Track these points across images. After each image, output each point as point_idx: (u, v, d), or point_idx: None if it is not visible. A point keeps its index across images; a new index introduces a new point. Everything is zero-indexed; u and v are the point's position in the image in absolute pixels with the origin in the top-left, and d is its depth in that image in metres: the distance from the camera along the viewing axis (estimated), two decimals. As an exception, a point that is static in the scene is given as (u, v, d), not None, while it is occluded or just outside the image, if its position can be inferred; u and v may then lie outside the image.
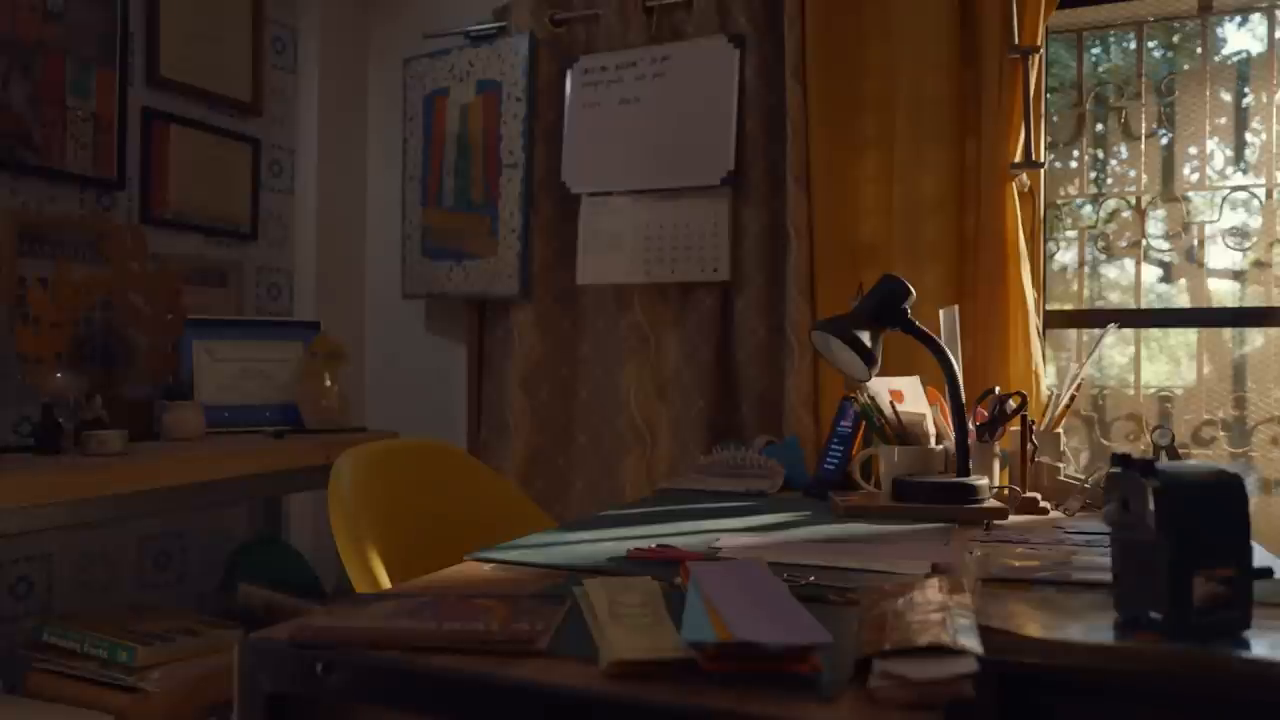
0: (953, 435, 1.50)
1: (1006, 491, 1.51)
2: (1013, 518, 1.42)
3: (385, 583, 1.39)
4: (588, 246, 2.43)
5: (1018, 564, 1.04)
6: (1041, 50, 2.01)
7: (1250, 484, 1.91)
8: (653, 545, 1.16)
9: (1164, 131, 2.19)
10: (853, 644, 0.74)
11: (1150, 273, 2.22)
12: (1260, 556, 1.02)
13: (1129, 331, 2.17)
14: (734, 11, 2.30)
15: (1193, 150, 2.17)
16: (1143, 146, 2.20)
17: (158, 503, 2.09)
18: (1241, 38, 2.18)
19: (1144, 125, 2.19)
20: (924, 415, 1.59)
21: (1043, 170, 2.03)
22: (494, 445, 2.54)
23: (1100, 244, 2.25)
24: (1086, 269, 2.26)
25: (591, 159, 2.44)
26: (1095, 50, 2.29)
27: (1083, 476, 1.60)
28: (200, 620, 2.05)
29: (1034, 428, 1.60)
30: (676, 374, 2.33)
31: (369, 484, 1.46)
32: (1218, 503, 0.77)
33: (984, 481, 1.47)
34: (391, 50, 2.89)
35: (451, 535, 1.46)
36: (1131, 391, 2.19)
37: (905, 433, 1.57)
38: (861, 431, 1.71)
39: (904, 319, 1.50)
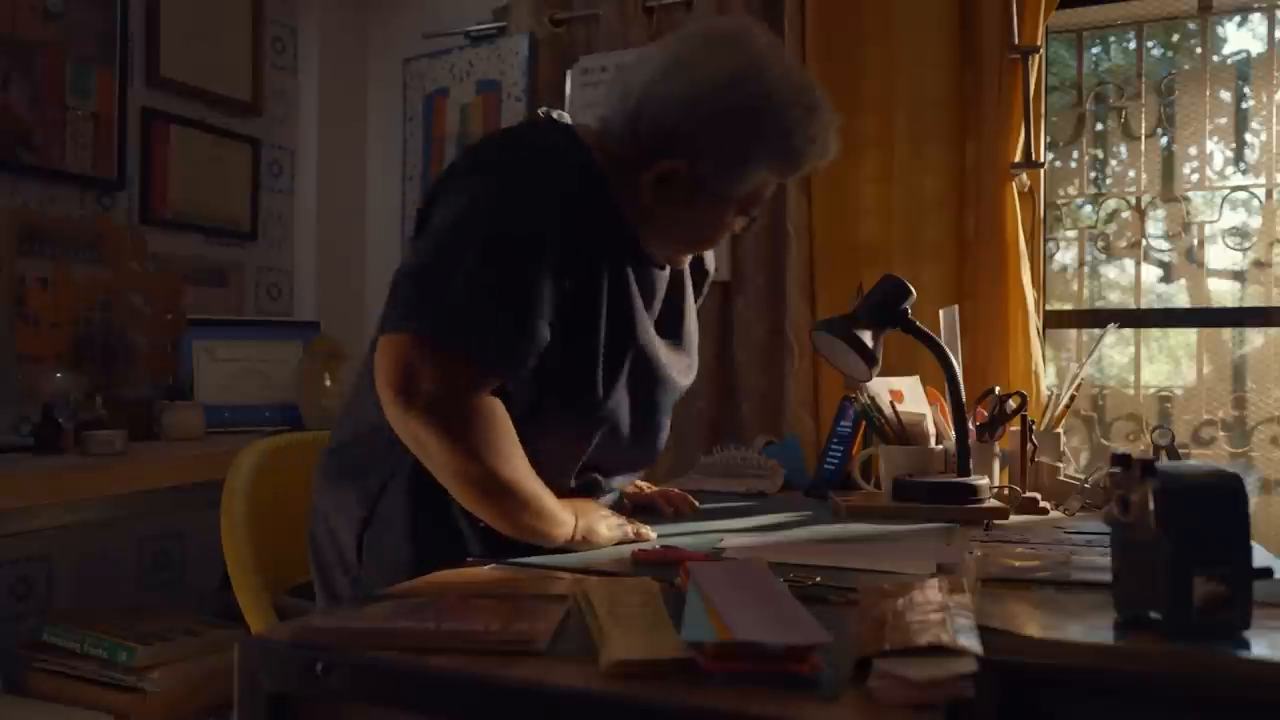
0: (953, 435, 1.50)
1: (1007, 491, 1.51)
2: (1013, 518, 1.42)
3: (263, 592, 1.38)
4: (588, 246, 2.43)
5: (1018, 564, 1.04)
6: (1041, 50, 2.01)
7: (1250, 484, 1.91)
8: (656, 546, 1.16)
9: (1164, 131, 2.19)
10: (853, 644, 0.74)
11: (1150, 273, 2.22)
12: (1260, 556, 1.02)
13: (1129, 331, 2.17)
14: (734, 12, 2.30)
15: (1193, 150, 2.17)
16: (1143, 146, 2.20)
17: (158, 503, 2.09)
18: (1241, 38, 2.18)
19: (1144, 125, 2.19)
20: (924, 415, 1.59)
21: (1043, 170, 2.03)
22: (494, 445, 2.54)
23: (1100, 244, 2.25)
24: (1086, 269, 2.26)
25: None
26: (1095, 50, 2.29)
27: (1083, 476, 1.60)
28: (200, 620, 2.05)
29: (1034, 428, 1.60)
30: (676, 374, 2.32)
31: (260, 483, 1.44)
32: (1218, 503, 0.77)
33: (984, 481, 1.46)
34: (391, 50, 2.89)
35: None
36: (1131, 391, 2.19)
37: (905, 433, 1.57)
38: (861, 431, 1.71)
39: (904, 319, 1.50)
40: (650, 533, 1.23)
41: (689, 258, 1.30)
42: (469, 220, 1.07)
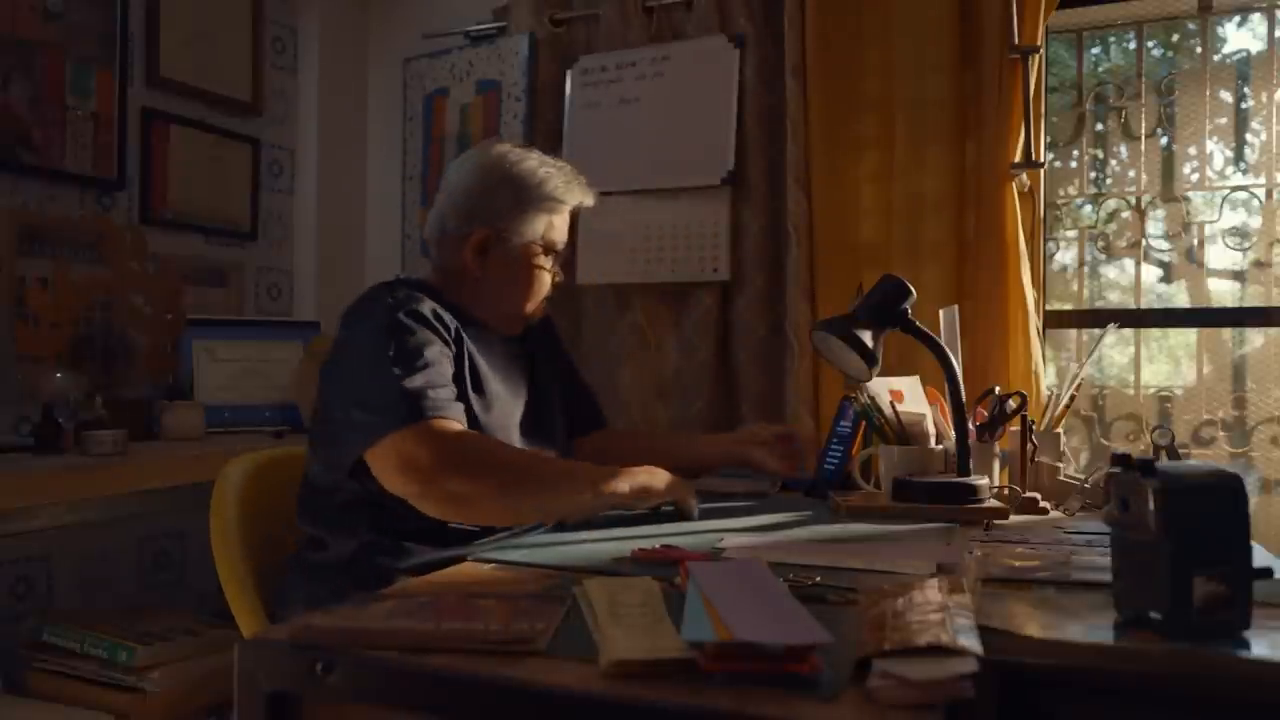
0: (953, 435, 1.50)
1: (1007, 491, 1.51)
2: (1013, 518, 1.42)
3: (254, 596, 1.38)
4: (587, 246, 2.43)
5: (1018, 564, 1.04)
6: (1041, 50, 2.01)
7: (1250, 484, 1.91)
8: (656, 545, 1.16)
9: (1164, 131, 2.19)
10: (853, 644, 0.74)
11: (1150, 273, 2.22)
12: (1260, 556, 1.02)
13: (1129, 331, 2.17)
14: (734, 11, 2.30)
15: (1193, 150, 2.17)
16: (1143, 146, 2.20)
17: (158, 503, 2.09)
18: (1241, 37, 2.18)
19: (1144, 125, 2.19)
20: (924, 415, 1.59)
21: (1043, 170, 2.03)
22: (494, 445, 2.54)
23: (1100, 244, 2.25)
24: (1086, 269, 2.26)
25: (591, 159, 2.44)
26: (1095, 50, 2.29)
27: (1083, 476, 1.59)
28: (200, 620, 2.05)
29: (1034, 428, 1.60)
30: (676, 374, 2.33)
31: (248, 496, 1.45)
32: (1218, 503, 0.77)
33: (984, 481, 1.46)
34: (391, 50, 2.89)
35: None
36: (1131, 391, 2.19)
37: (905, 433, 1.57)
38: (861, 431, 1.71)
39: (904, 319, 1.50)
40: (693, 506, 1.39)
41: (536, 307, 1.55)
42: (363, 344, 1.33)
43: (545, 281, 1.54)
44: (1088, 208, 2.26)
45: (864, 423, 1.65)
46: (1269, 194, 2.09)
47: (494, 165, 1.50)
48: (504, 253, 1.48)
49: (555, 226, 1.53)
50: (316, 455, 1.39)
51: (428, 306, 1.36)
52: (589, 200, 1.56)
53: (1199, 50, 2.17)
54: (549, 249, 1.52)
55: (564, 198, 1.52)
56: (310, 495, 1.39)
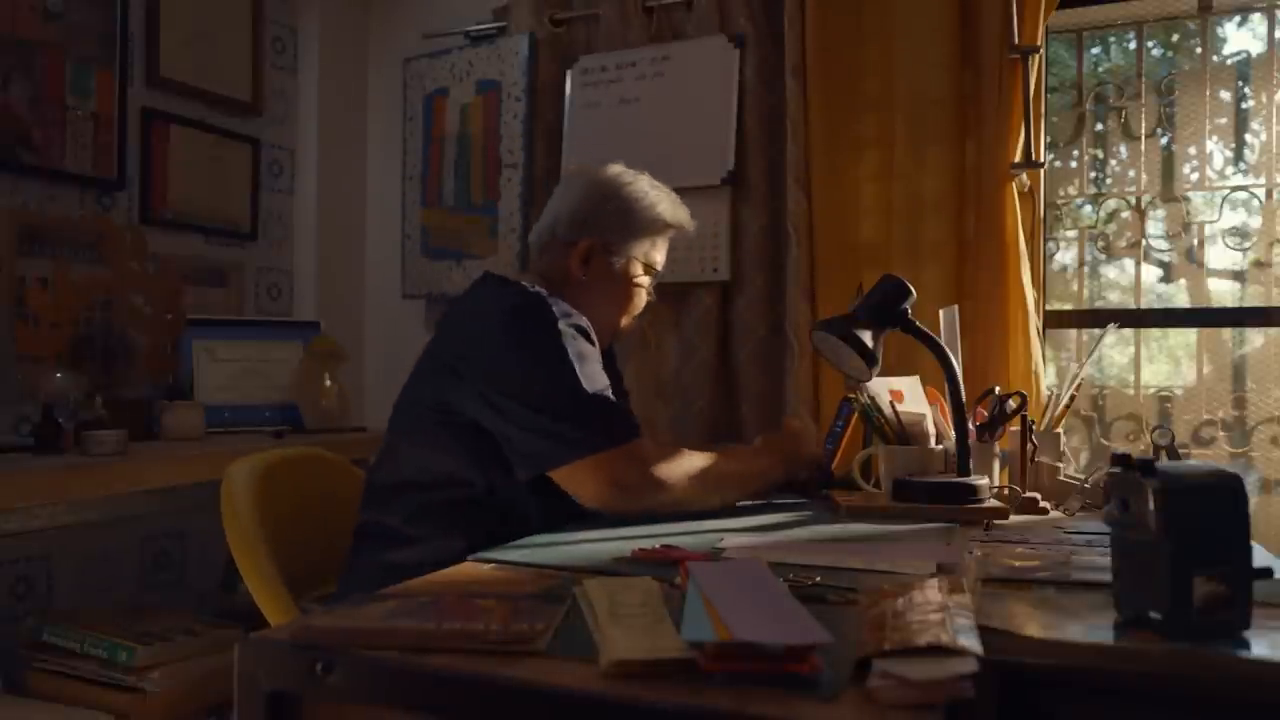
0: (953, 435, 1.50)
1: (1007, 491, 1.51)
2: (1013, 518, 1.42)
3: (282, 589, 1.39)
4: (588, 246, 2.43)
5: (1018, 564, 1.04)
6: (1041, 50, 2.01)
7: (1250, 484, 1.91)
8: (656, 545, 1.16)
9: (1164, 131, 2.19)
10: (853, 644, 0.74)
11: (1150, 273, 2.22)
12: (1260, 556, 1.02)
13: (1129, 331, 2.17)
14: (734, 11, 2.30)
15: (1193, 150, 2.17)
16: (1143, 146, 2.20)
17: (158, 503, 2.09)
18: (1241, 38, 2.18)
19: (1144, 125, 2.19)
20: (924, 415, 1.59)
21: (1043, 170, 2.03)
22: (494, 445, 2.54)
23: (1100, 244, 2.25)
24: (1086, 269, 2.26)
25: (591, 159, 2.44)
26: (1095, 50, 2.29)
27: (1083, 476, 1.59)
28: (200, 620, 2.05)
29: (1034, 428, 1.60)
30: (676, 374, 2.33)
31: (261, 494, 1.46)
32: (1218, 503, 0.77)
33: (984, 481, 1.46)
34: (391, 50, 2.89)
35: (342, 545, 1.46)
36: (1131, 391, 2.19)
37: (905, 433, 1.56)
38: (851, 428, 1.71)
39: (904, 319, 1.50)
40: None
41: (629, 324, 1.62)
42: (534, 349, 1.34)
43: (642, 299, 1.60)
44: (1088, 208, 2.26)
45: (858, 420, 1.65)
46: (1269, 194, 2.09)
47: (607, 182, 1.57)
48: (607, 265, 1.54)
49: (658, 247, 1.59)
50: (432, 445, 1.38)
51: (585, 320, 1.41)
52: (690, 226, 1.62)
53: (1199, 50, 2.17)
54: (649, 269, 1.58)
55: (672, 221, 1.58)
56: (403, 490, 1.39)
